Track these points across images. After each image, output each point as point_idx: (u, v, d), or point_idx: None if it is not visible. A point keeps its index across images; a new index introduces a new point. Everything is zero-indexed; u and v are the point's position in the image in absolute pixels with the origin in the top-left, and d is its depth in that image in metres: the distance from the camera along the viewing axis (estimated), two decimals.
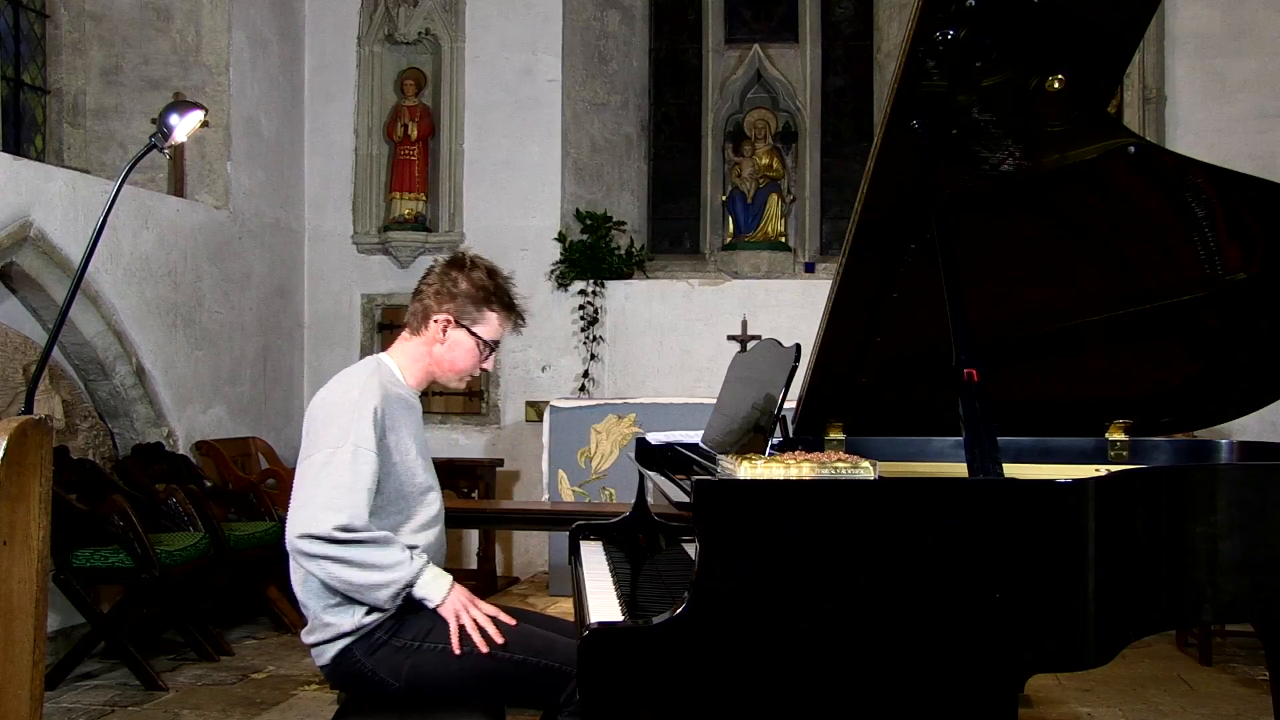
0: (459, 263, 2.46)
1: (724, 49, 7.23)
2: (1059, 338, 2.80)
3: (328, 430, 2.30)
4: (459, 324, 2.42)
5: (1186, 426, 3.01)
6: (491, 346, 2.46)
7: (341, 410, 2.32)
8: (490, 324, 2.45)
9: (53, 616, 4.39)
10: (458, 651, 2.24)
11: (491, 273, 2.46)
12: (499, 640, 2.24)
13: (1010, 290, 2.66)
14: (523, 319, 2.51)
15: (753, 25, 7.25)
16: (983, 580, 1.85)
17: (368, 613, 2.29)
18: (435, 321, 2.43)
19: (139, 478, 4.94)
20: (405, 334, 2.51)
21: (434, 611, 2.28)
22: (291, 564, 2.36)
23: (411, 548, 2.32)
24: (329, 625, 2.32)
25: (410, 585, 2.26)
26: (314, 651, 2.39)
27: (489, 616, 2.28)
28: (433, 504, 2.45)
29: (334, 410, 2.33)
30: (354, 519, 2.21)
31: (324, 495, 2.23)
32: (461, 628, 2.26)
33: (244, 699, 4.17)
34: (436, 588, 2.28)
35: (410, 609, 2.30)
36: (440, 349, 2.45)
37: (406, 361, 2.48)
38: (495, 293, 2.44)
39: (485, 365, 2.50)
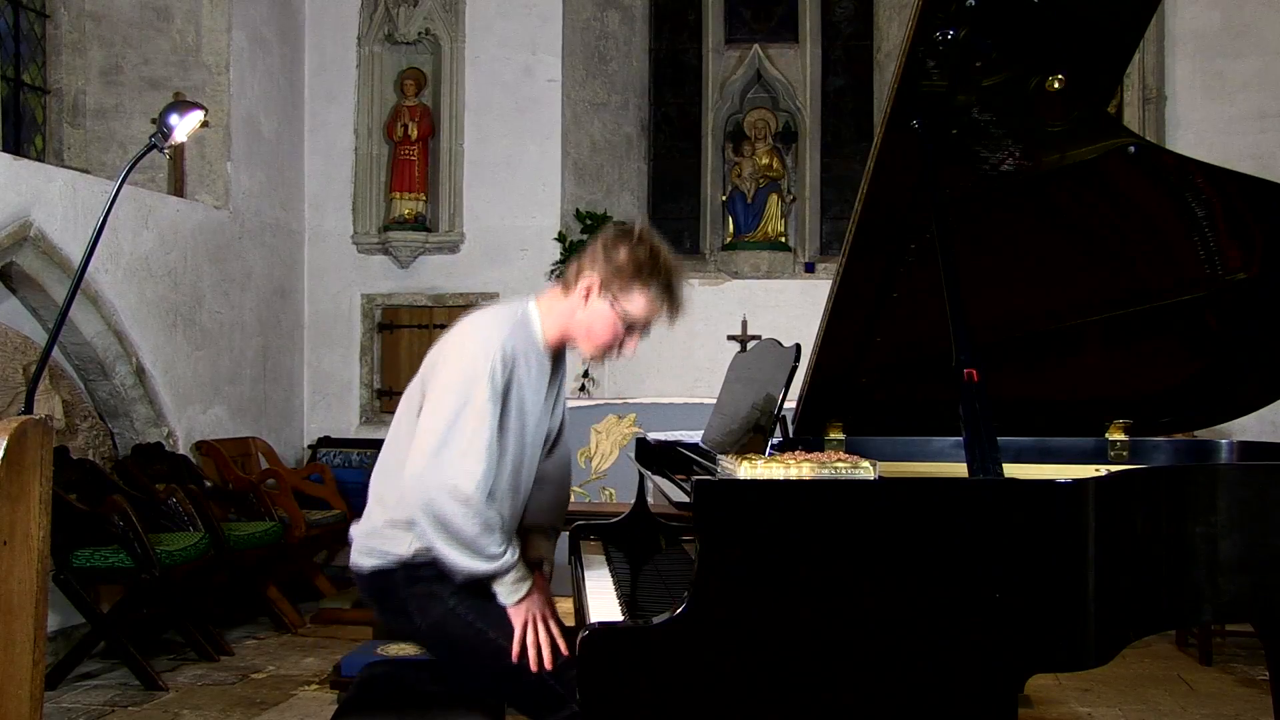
0: (628, 233, 2.31)
1: (724, 49, 7.22)
2: (1059, 338, 2.80)
3: (452, 378, 2.21)
4: (604, 292, 2.27)
5: (1186, 426, 3.02)
6: (633, 326, 2.30)
7: (469, 359, 2.21)
8: (637, 303, 2.28)
9: (53, 616, 4.39)
10: (514, 659, 2.16)
11: (655, 252, 2.29)
12: (549, 666, 2.14)
13: (1010, 290, 2.66)
14: (678, 307, 2.33)
15: (753, 25, 7.25)
16: (983, 580, 1.85)
17: (419, 550, 2.22)
18: (582, 283, 2.29)
19: (139, 478, 4.94)
20: (558, 288, 2.38)
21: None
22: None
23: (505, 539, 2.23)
24: (384, 537, 2.26)
25: (489, 579, 2.19)
26: (356, 552, 2.32)
27: (550, 639, 2.18)
28: (530, 469, 2.38)
29: (462, 356, 2.23)
30: (473, 487, 2.13)
31: (449, 454, 2.14)
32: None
33: (244, 699, 4.17)
34: (511, 593, 2.19)
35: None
36: (582, 313, 2.31)
37: (551, 317, 2.36)
38: (652, 272, 2.27)
39: (627, 347, 2.34)
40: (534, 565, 2.38)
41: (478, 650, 2.22)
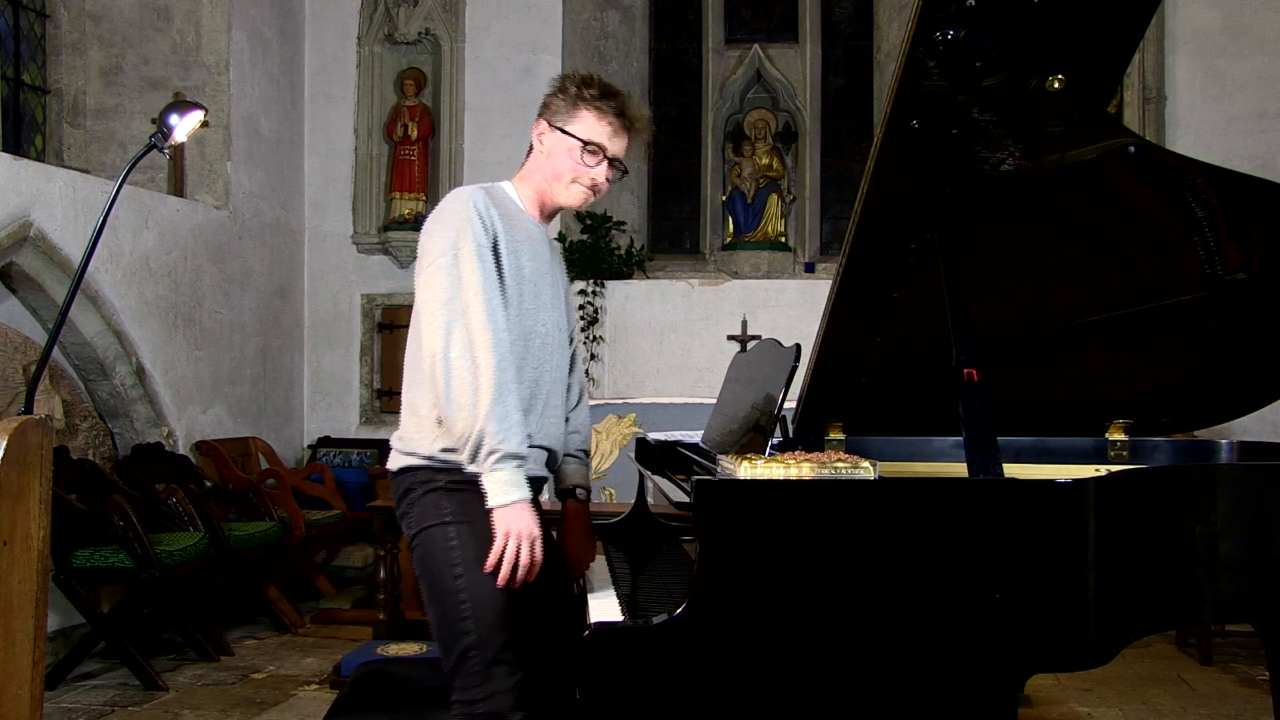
0: (566, 75, 2.33)
1: (724, 49, 7.22)
2: (1059, 338, 2.80)
3: (433, 250, 2.14)
4: (552, 128, 2.26)
5: (1186, 426, 3.01)
6: (593, 148, 2.24)
7: (448, 223, 2.15)
8: (585, 122, 2.25)
9: (53, 616, 4.39)
10: (488, 568, 2.04)
11: (589, 76, 2.30)
12: (516, 584, 2.04)
13: (1010, 290, 2.66)
14: (630, 117, 2.28)
15: (753, 25, 7.25)
16: (983, 580, 1.85)
17: (445, 450, 2.13)
18: (536, 134, 2.29)
19: (139, 478, 4.94)
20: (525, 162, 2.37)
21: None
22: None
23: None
24: (411, 438, 2.19)
25: (488, 452, 2.03)
26: (393, 449, 2.25)
27: (526, 566, 2.05)
28: (550, 363, 2.25)
29: (436, 229, 2.17)
30: (495, 320, 2.07)
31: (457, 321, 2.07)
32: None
33: (244, 699, 4.17)
34: (502, 490, 2.04)
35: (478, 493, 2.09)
36: (541, 158, 2.29)
37: (526, 188, 2.32)
38: (588, 86, 2.26)
39: (596, 175, 2.27)
40: (566, 493, 2.41)
41: (438, 580, 2.13)
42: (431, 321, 2.09)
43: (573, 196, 2.30)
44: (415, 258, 2.24)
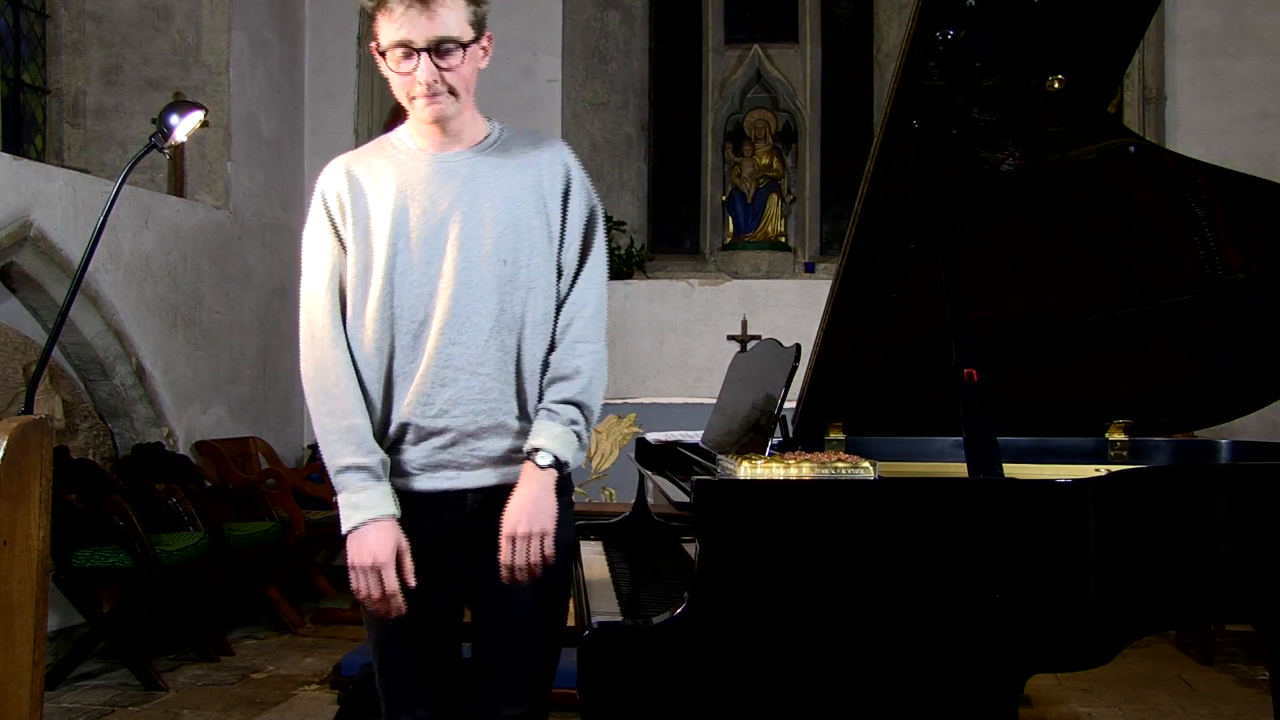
0: None
1: (724, 49, 7.23)
2: (1059, 337, 2.80)
3: None
4: (375, 49, 1.90)
5: (1186, 426, 3.01)
6: (395, 48, 1.85)
7: None
8: (382, 27, 1.87)
9: (53, 616, 4.39)
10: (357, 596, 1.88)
11: None
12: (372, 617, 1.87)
13: (1010, 290, 2.66)
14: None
15: (753, 25, 7.25)
16: (983, 580, 1.85)
17: None
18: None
19: (139, 478, 4.94)
20: None
21: None
22: None
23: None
24: None
25: (331, 473, 1.90)
26: None
27: (376, 600, 1.84)
28: (444, 314, 1.88)
29: None
30: (309, 360, 1.91)
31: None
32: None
33: (244, 699, 4.17)
34: (343, 515, 1.87)
35: None
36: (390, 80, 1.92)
37: (410, 123, 2.01)
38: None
39: (417, 77, 1.86)
40: (523, 455, 1.90)
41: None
42: None
43: (420, 114, 1.92)
44: None
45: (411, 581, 1.85)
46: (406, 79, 1.87)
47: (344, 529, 1.86)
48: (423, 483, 1.93)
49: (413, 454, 1.93)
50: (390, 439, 1.93)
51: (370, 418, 1.91)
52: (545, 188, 1.98)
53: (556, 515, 1.88)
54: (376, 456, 1.89)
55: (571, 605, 2.49)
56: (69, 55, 5.86)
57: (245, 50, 6.17)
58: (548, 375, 1.95)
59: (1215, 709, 4.12)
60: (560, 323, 1.98)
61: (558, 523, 1.90)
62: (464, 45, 1.86)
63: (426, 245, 1.90)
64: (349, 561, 1.86)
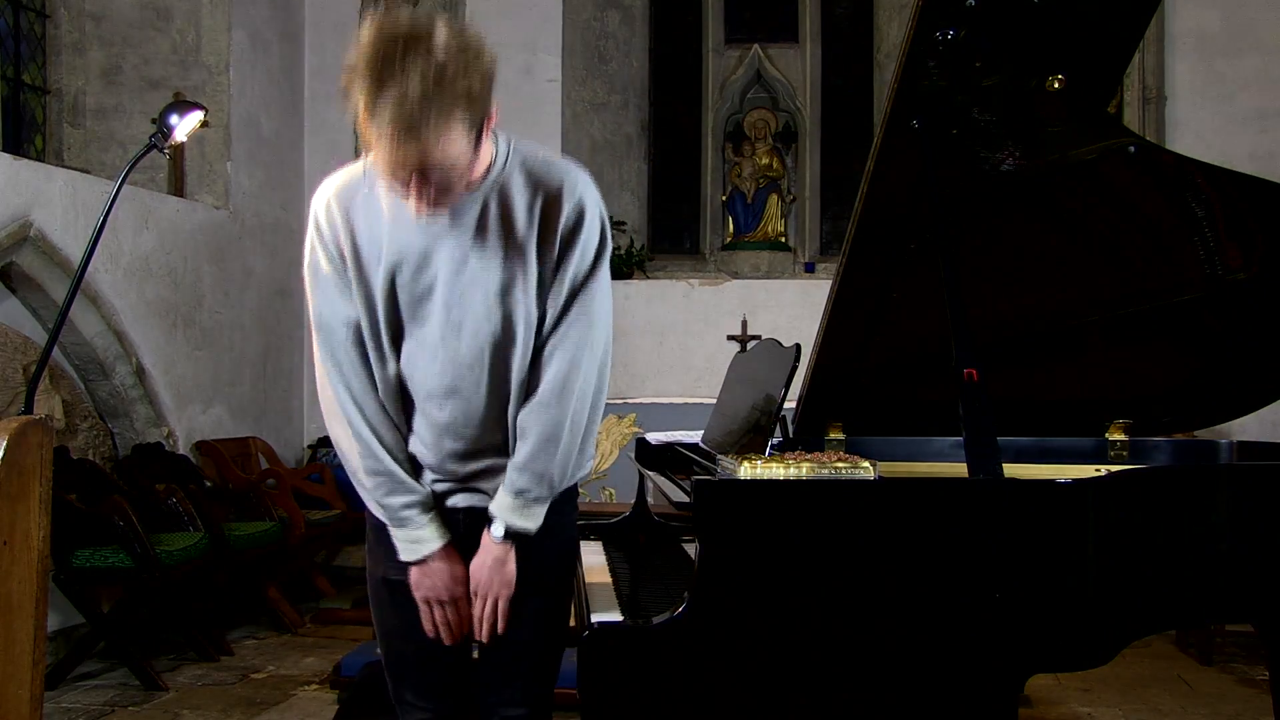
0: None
1: (724, 49, 7.23)
2: (1059, 338, 2.80)
3: None
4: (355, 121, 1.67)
5: (1186, 426, 3.01)
6: (385, 169, 1.64)
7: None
8: (365, 129, 1.65)
9: (53, 616, 4.39)
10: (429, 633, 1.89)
11: (362, 39, 1.66)
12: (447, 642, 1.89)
13: (1010, 290, 2.66)
14: (383, 124, 1.61)
15: (753, 25, 7.25)
16: (983, 580, 1.85)
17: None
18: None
19: (139, 478, 4.94)
20: None
21: None
22: None
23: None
24: None
25: (379, 500, 1.88)
26: None
27: (448, 629, 1.89)
28: (425, 340, 1.81)
29: None
30: (322, 393, 1.87)
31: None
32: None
33: (244, 699, 4.17)
34: (404, 549, 1.86)
35: None
36: None
37: None
38: (349, 84, 1.66)
39: (406, 197, 1.68)
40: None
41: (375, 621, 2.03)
42: None
43: (417, 204, 1.74)
44: None
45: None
46: (398, 192, 1.70)
47: (411, 559, 1.87)
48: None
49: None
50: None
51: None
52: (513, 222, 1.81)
53: (513, 581, 1.86)
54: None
55: (571, 605, 2.49)
56: (69, 55, 5.86)
57: (245, 50, 6.17)
58: (519, 426, 1.87)
59: (1215, 709, 4.12)
60: (537, 375, 1.87)
61: (561, 525, 1.94)
62: (465, 162, 1.67)
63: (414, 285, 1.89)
64: (421, 596, 1.88)
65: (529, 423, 1.83)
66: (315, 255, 1.84)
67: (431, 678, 1.99)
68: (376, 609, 2.01)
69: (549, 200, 1.79)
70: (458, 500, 1.92)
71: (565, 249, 1.80)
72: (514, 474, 1.84)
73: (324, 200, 1.84)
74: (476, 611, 1.87)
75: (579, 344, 1.82)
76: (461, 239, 1.79)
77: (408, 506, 1.86)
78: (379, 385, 1.88)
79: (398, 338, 1.84)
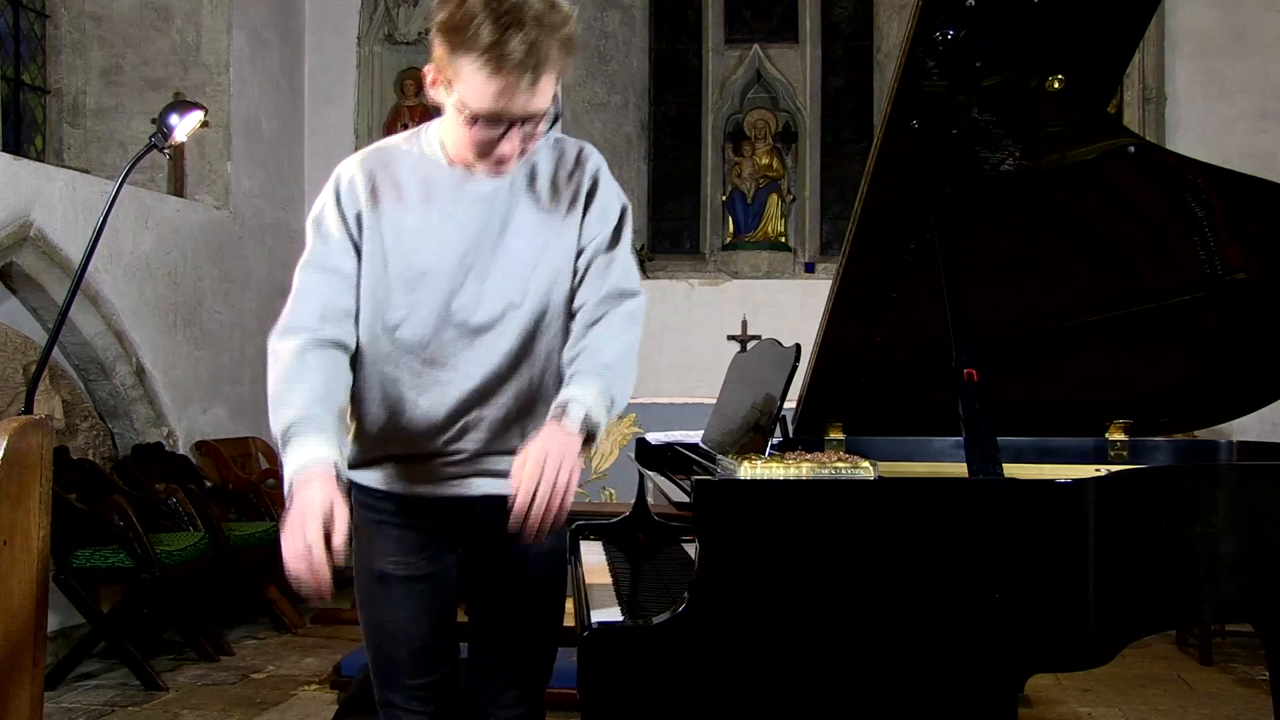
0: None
1: (724, 49, 7.23)
2: (1059, 338, 2.80)
3: None
4: (439, 84, 1.70)
5: (1186, 426, 3.01)
6: (481, 118, 1.66)
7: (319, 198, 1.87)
8: (466, 80, 1.64)
9: (53, 616, 4.38)
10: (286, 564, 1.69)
11: (461, 7, 1.61)
12: (291, 583, 1.71)
13: (1010, 290, 2.66)
14: (506, 61, 1.59)
15: (753, 25, 7.25)
16: (983, 580, 1.85)
17: (352, 455, 1.88)
18: (429, 81, 1.72)
19: (139, 478, 4.94)
20: None
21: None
22: None
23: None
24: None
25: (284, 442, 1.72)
26: None
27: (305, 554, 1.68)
28: (429, 298, 1.81)
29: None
30: (283, 325, 1.83)
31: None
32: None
33: (244, 699, 4.17)
34: (290, 461, 1.68)
35: None
36: (447, 119, 1.77)
37: (448, 126, 1.80)
38: (467, 23, 1.59)
39: (501, 148, 1.70)
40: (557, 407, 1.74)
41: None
42: None
43: (488, 168, 1.83)
44: None
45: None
46: (484, 142, 1.72)
47: (288, 475, 1.70)
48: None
49: None
50: None
51: None
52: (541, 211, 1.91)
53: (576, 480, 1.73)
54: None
55: (571, 605, 2.49)
56: (69, 55, 5.86)
57: (245, 50, 6.17)
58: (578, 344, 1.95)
59: (1215, 709, 4.12)
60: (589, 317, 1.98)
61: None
62: (549, 115, 1.73)
63: (435, 253, 1.91)
64: (290, 509, 1.69)
65: (600, 340, 1.86)
66: (323, 213, 1.84)
67: (421, 679, 1.96)
68: (365, 605, 1.96)
69: (572, 167, 1.90)
70: (476, 486, 1.89)
71: (587, 212, 1.89)
72: (604, 373, 1.81)
73: (351, 169, 1.84)
74: (537, 509, 1.64)
75: (623, 300, 1.95)
76: (511, 203, 1.83)
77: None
78: (367, 349, 1.85)
79: (413, 305, 1.83)
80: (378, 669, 1.98)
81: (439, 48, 1.66)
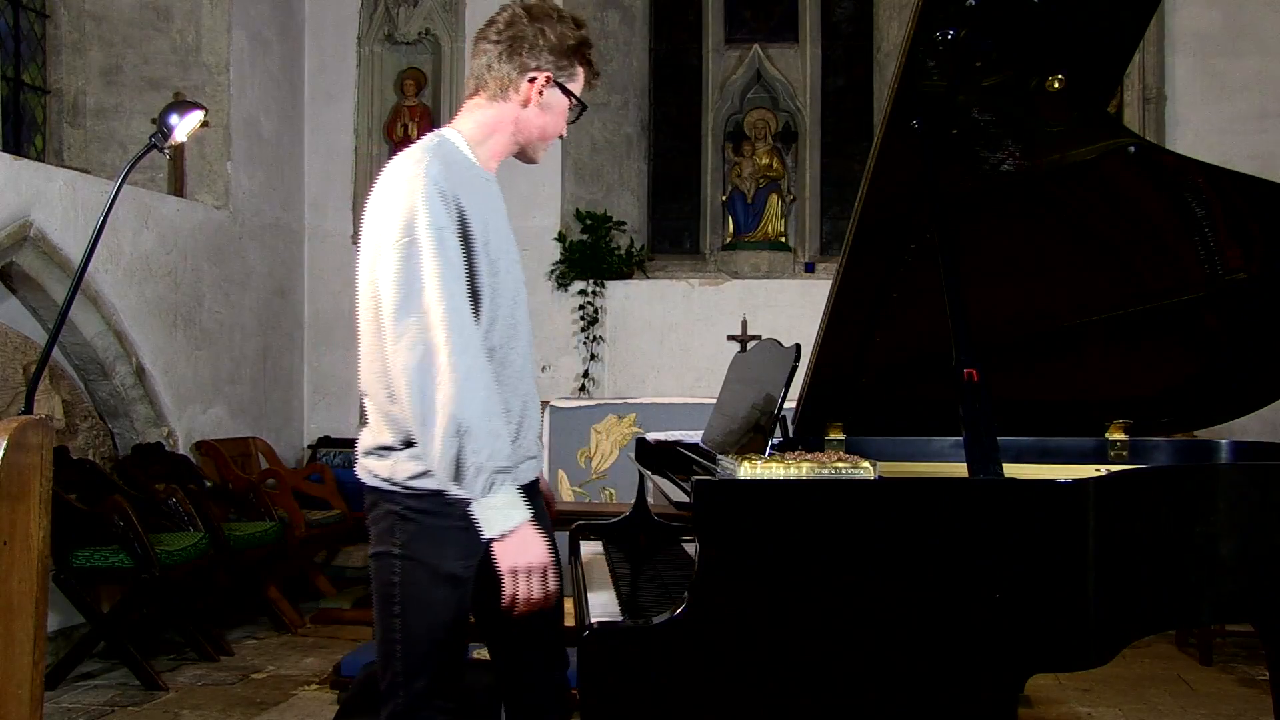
0: (541, 11, 2.04)
1: (724, 49, 7.22)
2: (1059, 338, 2.80)
3: (387, 226, 1.88)
4: (555, 83, 2.05)
5: (1186, 426, 3.01)
6: (582, 107, 2.12)
7: (402, 200, 1.88)
8: (579, 81, 2.10)
9: (53, 616, 4.39)
10: (504, 602, 1.85)
11: (577, 22, 2.08)
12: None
13: (1010, 290, 2.66)
14: (599, 76, 2.17)
15: (753, 25, 7.25)
16: (983, 580, 1.85)
17: (406, 476, 1.92)
18: (530, 80, 2.03)
19: (139, 478, 4.94)
20: (478, 100, 2.07)
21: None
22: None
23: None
24: (374, 458, 1.98)
25: (473, 473, 1.81)
26: (358, 455, 2.04)
27: (541, 601, 1.88)
28: (522, 343, 2.02)
29: (390, 204, 1.89)
30: (461, 318, 1.83)
31: (411, 320, 1.82)
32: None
33: (244, 699, 4.17)
34: (500, 517, 1.83)
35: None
36: (531, 111, 2.05)
37: (481, 133, 2.06)
38: (583, 44, 2.08)
39: (563, 130, 2.14)
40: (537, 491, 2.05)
41: (380, 609, 1.99)
42: (392, 332, 1.86)
43: (539, 153, 2.14)
44: None
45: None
46: (556, 125, 2.10)
47: (501, 530, 1.84)
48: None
49: None
50: None
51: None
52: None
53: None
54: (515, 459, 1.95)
55: (571, 605, 2.49)
56: (69, 55, 5.86)
57: (245, 50, 6.17)
58: None
59: (1215, 709, 4.12)
60: None
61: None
62: None
63: (510, 269, 2.07)
64: (512, 566, 1.85)
65: None
66: (424, 222, 1.87)
67: (464, 677, 2.04)
68: (425, 610, 1.96)
69: None
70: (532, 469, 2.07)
71: None
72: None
73: (434, 171, 1.91)
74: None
75: None
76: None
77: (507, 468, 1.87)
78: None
79: (499, 314, 1.99)
80: (424, 674, 1.97)
81: (565, 59, 2.05)
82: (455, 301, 1.85)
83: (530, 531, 1.87)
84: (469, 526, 1.88)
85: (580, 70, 2.09)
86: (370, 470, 2.00)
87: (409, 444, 1.92)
